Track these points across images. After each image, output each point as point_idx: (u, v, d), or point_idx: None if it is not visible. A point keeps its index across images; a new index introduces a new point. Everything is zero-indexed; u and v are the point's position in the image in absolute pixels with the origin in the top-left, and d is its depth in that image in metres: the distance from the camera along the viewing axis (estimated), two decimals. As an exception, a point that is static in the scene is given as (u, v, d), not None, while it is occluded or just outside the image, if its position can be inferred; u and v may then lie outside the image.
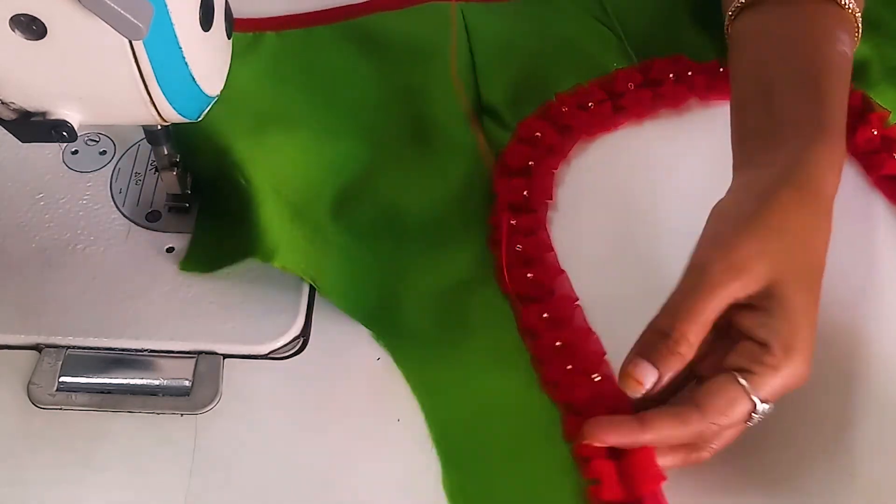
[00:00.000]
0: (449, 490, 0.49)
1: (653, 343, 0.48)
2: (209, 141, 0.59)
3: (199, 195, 0.59)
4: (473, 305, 0.56)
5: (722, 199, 0.52)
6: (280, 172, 0.59)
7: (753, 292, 0.47)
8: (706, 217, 0.53)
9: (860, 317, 0.55)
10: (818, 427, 0.52)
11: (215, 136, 0.59)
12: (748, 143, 0.54)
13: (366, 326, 0.55)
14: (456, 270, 0.58)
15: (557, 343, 0.54)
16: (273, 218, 0.56)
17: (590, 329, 0.54)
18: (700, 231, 0.52)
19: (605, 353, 0.53)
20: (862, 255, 0.52)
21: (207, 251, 0.57)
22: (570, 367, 0.53)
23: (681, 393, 0.49)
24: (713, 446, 0.48)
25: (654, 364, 0.47)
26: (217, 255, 0.56)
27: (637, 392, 0.47)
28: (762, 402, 0.46)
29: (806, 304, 0.47)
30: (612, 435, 0.47)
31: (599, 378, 0.51)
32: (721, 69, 0.67)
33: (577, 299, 0.56)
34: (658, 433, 0.46)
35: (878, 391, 0.53)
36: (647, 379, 0.47)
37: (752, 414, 0.46)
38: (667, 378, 0.47)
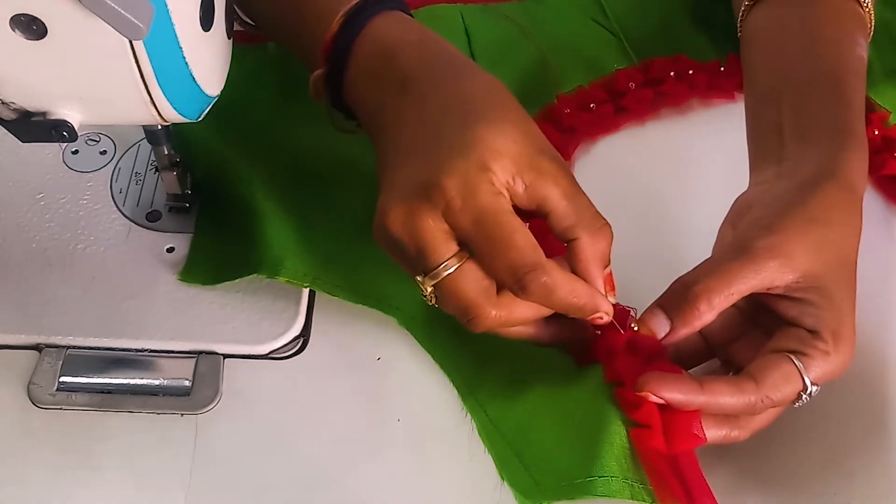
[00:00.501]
0: (483, 426, 0.50)
1: (676, 296, 0.48)
2: (212, 152, 0.59)
3: (198, 196, 0.59)
4: None
5: (751, 190, 0.53)
6: (284, 181, 0.59)
7: (792, 281, 0.47)
8: (711, 215, 0.53)
9: (861, 316, 0.55)
10: (818, 424, 0.52)
11: (218, 146, 0.59)
12: (772, 137, 0.54)
13: (381, 310, 0.55)
14: None
15: None
16: (277, 231, 0.56)
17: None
18: (706, 229, 0.52)
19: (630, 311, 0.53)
20: (863, 254, 0.52)
21: (208, 262, 0.57)
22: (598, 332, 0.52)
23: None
24: (752, 426, 0.49)
25: (670, 316, 0.48)
26: (218, 268, 0.56)
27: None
28: (812, 383, 0.47)
29: (846, 296, 0.48)
30: (669, 390, 0.46)
31: (637, 327, 0.50)
32: (722, 68, 0.67)
33: None
34: (713, 398, 0.47)
35: (883, 393, 0.53)
36: (659, 329, 0.48)
37: (801, 394, 0.47)
38: (681, 333, 0.48)
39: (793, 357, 0.47)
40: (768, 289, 0.48)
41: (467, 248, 0.47)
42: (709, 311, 0.47)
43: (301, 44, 0.57)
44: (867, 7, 0.58)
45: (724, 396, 0.46)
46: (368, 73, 0.52)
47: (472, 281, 0.46)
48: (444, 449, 0.51)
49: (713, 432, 0.48)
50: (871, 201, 0.61)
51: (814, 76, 0.55)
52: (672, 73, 0.66)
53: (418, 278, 0.47)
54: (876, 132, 0.63)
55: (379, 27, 0.53)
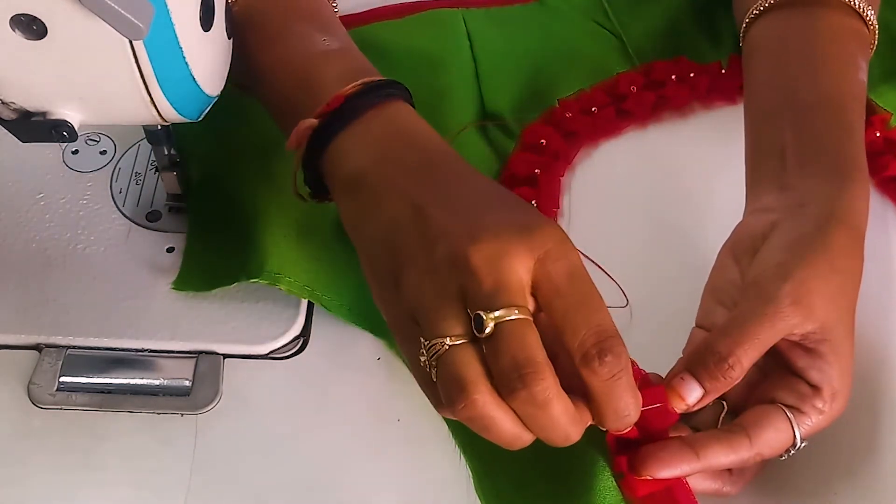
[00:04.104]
0: (482, 494, 0.49)
1: (704, 362, 0.47)
2: (211, 154, 0.58)
3: (191, 200, 0.59)
4: None
5: (751, 217, 0.52)
6: (287, 190, 0.58)
7: (809, 331, 0.47)
8: (713, 218, 0.53)
9: (862, 318, 0.55)
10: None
11: (220, 157, 0.58)
12: (773, 159, 0.54)
13: (377, 336, 0.55)
14: None
15: None
16: (278, 241, 0.55)
17: None
18: (709, 232, 0.52)
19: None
20: (866, 255, 0.52)
21: (202, 269, 0.56)
22: None
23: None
24: (743, 480, 0.49)
25: (702, 382, 0.47)
26: (213, 273, 0.55)
27: (678, 407, 0.47)
28: (801, 439, 0.47)
29: (850, 345, 0.48)
30: (667, 469, 0.46)
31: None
32: (723, 70, 0.67)
33: None
34: (709, 461, 0.46)
35: (883, 393, 0.53)
36: (692, 396, 0.47)
37: (790, 449, 0.47)
38: (711, 398, 0.47)
39: (787, 412, 0.47)
40: (786, 336, 0.47)
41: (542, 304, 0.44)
42: (741, 374, 0.47)
43: (290, 100, 0.53)
44: (871, 24, 0.58)
45: (719, 457, 0.46)
46: (377, 144, 0.50)
47: (536, 337, 0.42)
48: (444, 449, 0.51)
49: (706, 484, 0.48)
50: (874, 203, 0.61)
51: (816, 100, 0.54)
52: (673, 76, 0.66)
53: (480, 313, 0.42)
54: (877, 134, 0.63)
55: (400, 107, 0.51)
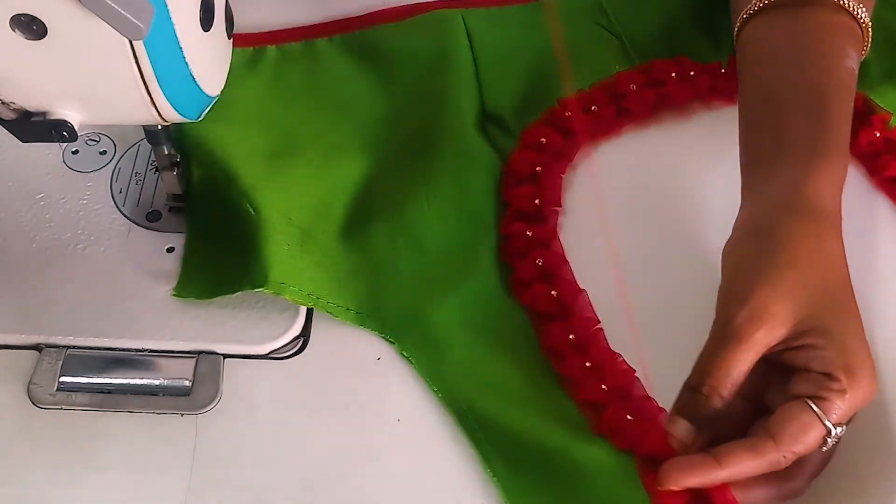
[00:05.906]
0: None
1: (681, 396, 0.48)
2: (215, 167, 0.58)
3: (189, 204, 0.59)
4: (495, 322, 0.56)
5: (730, 239, 0.52)
6: (289, 196, 0.58)
7: (784, 335, 0.47)
8: (713, 216, 0.53)
9: (865, 317, 0.55)
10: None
11: (222, 163, 0.58)
12: (753, 170, 0.54)
13: (384, 336, 0.55)
14: (473, 282, 0.57)
15: (587, 364, 0.53)
16: (282, 249, 0.55)
17: (614, 353, 0.54)
18: (710, 233, 0.52)
19: (634, 372, 0.53)
20: (866, 256, 0.52)
21: (203, 276, 0.56)
22: (604, 387, 0.52)
23: (755, 423, 0.49)
24: (804, 474, 0.48)
25: (686, 417, 0.48)
26: (215, 281, 0.55)
27: (682, 448, 0.48)
28: (835, 425, 0.46)
29: (847, 323, 0.48)
30: (690, 477, 0.46)
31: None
32: (723, 70, 0.67)
33: (599, 322, 0.55)
34: (734, 469, 0.46)
35: (882, 393, 0.53)
36: (686, 435, 0.48)
37: (826, 438, 0.47)
38: (703, 428, 0.48)
39: (811, 403, 0.46)
40: (767, 350, 0.47)
41: None
42: (721, 400, 0.47)
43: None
44: (863, 21, 0.58)
45: (744, 463, 0.46)
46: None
47: None
48: (444, 449, 0.51)
49: (761, 492, 0.48)
50: (876, 203, 0.61)
51: (793, 95, 0.55)
52: (673, 75, 0.66)
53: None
54: (877, 134, 0.63)
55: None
